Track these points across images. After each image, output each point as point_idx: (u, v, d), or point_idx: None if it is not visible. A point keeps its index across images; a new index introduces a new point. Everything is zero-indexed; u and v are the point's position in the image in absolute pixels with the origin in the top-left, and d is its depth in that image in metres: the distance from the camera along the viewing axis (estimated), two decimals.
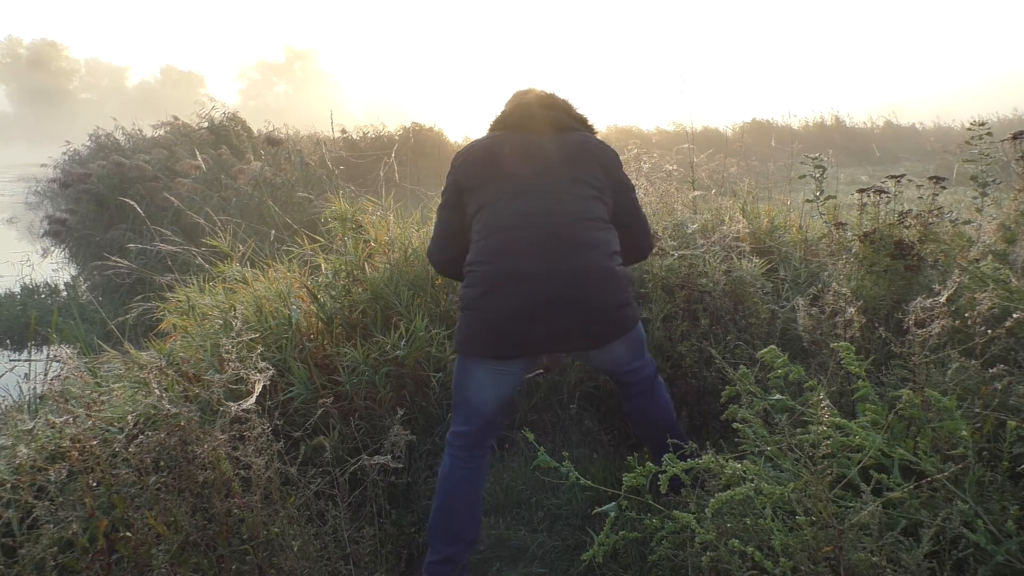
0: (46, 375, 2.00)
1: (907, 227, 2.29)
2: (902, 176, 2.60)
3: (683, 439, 1.65)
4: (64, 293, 5.49)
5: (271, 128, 10.14)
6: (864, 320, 1.82)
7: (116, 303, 4.68)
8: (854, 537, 1.13)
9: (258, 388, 1.43)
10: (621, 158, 1.91)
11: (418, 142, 10.43)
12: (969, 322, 1.43)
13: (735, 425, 1.42)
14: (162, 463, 1.35)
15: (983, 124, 2.53)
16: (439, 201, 1.87)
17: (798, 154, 3.83)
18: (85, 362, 2.21)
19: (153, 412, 1.59)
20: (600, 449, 2.28)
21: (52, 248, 7.55)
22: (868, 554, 1.09)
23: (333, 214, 2.74)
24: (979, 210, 2.53)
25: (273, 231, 4.05)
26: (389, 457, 1.66)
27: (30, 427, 1.43)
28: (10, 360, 4.21)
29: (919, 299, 1.48)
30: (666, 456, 1.35)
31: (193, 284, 2.65)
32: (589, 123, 1.95)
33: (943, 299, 1.44)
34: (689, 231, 2.98)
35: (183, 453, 1.34)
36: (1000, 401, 1.39)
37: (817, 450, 1.20)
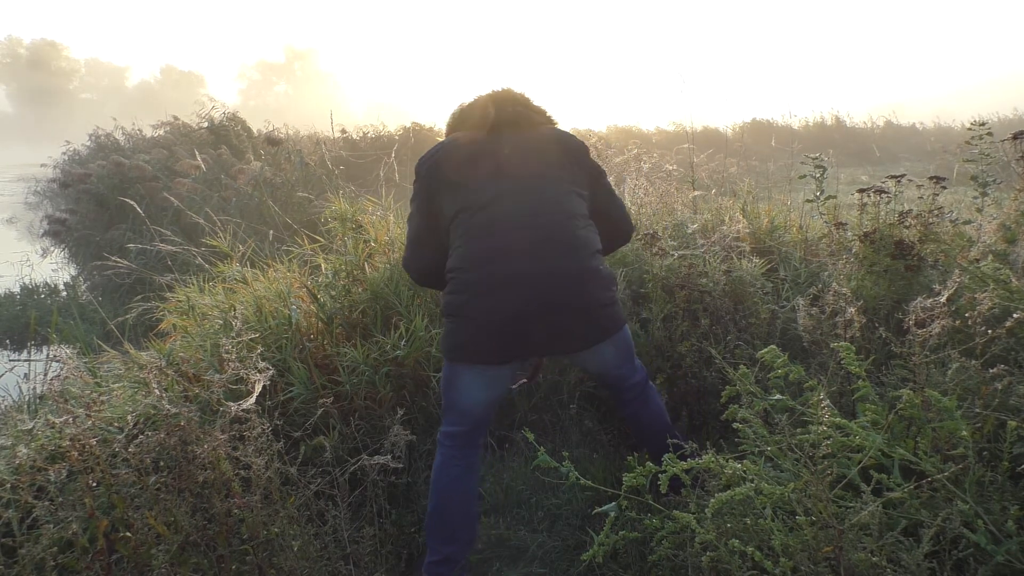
0: (46, 375, 2.00)
1: (907, 227, 2.29)
2: (902, 176, 2.60)
3: (677, 436, 1.66)
4: (64, 293, 5.49)
5: (271, 128, 10.14)
6: (864, 320, 1.82)
7: (116, 303, 4.68)
8: (854, 537, 1.13)
9: (258, 388, 1.43)
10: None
11: (418, 142, 10.43)
12: (969, 322, 1.43)
13: (735, 425, 1.42)
14: (162, 463, 1.35)
15: (983, 124, 2.53)
16: (409, 210, 1.82)
17: (798, 154, 3.83)
18: (85, 362, 2.21)
19: (153, 412, 1.59)
20: (600, 449, 2.28)
21: (52, 248, 7.55)
22: (868, 554, 1.09)
23: (333, 214, 2.74)
24: (979, 210, 2.53)
25: (273, 231, 4.05)
26: (389, 457, 1.66)
27: (30, 427, 1.43)
28: (10, 360, 4.21)
29: (919, 299, 1.48)
30: (666, 456, 1.35)
31: (193, 284, 2.65)
32: (548, 115, 1.90)
33: (943, 299, 1.44)
34: (689, 231, 2.98)
35: (183, 453, 1.34)
36: (1000, 401, 1.39)
37: (817, 450, 1.20)
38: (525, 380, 2.01)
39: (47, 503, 1.24)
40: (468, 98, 1.90)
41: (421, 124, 12.48)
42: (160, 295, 2.71)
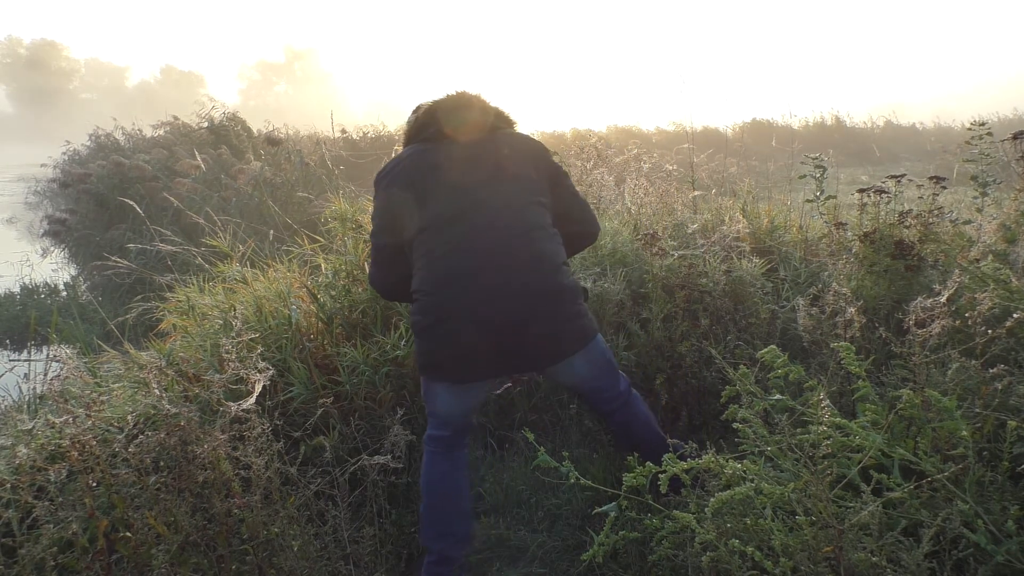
0: (46, 375, 2.00)
1: (907, 227, 2.30)
2: (902, 176, 2.60)
3: (669, 446, 1.63)
4: (64, 293, 5.49)
5: (271, 128, 10.14)
6: (864, 320, 1.82)
7: (116, 303, 4.68)
8: (854, 537, 1.13)
9: (258, 388, 1.43)
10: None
11: None
12: (969, 322, 1.43)
13: (735, 425, 1.42)
14: (162, 463, 1.35)
15: (983, 124, 2.53)
16: (371, 227, 1.79)
17: (798, 154, 3.83)
18: (85, 362, 2.21)
19: (153, 412, 1.59)
20: (600, 449, 2.28)
21: (52, 248, 7.55)
22: (868, 554, 1.09)
23: (333, 214, 2.74)
24: (979, 210, 2.53)
25: (273, 231, 4.05)
26: (389, 457, 1.67)
27: (30, 427, 1.43)
28: (10, 360, 4.21)
29: (919, 299, 1.48)
30: (666, 456, 1.35)
31: (193, 284, 2.65)
32: (506, 115, 1.85)
33: (943, 299, 1.44)
34: (689, 231, 2.98)
35: (183, 453, 1.34)
36: (1000, 401, 1.39)
37: (817, 450, 1.20)
38: (510, 384, 2.00)
39: (47, 503, 1.23)
40: (423, 104, 1.84)
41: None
42: (160, 295, 2.71)
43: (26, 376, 2.13)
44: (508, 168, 1.69)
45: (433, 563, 1.68)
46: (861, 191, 2.51)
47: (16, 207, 11.33)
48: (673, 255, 2.52)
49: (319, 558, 1.51)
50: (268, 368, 1.48)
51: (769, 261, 2.84)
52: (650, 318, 2.44)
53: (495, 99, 1.84)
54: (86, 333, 3.17)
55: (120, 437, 1.32)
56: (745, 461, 1.32)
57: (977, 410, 1.38)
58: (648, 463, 1.36)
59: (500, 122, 1.82)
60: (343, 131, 11.48)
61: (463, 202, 1.63)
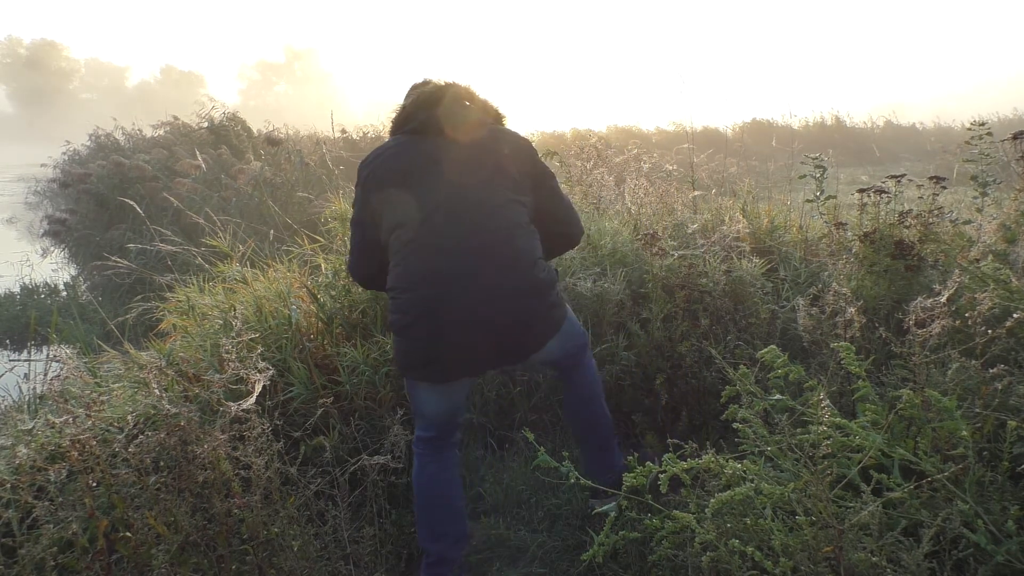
0: (46, 375, 2.00)
1: (907, 227, 2.30)
2: (902, 176, 2.60)
3: (608, 419, 1.67)
4: (64, 293, 5.49)
5: (271, 128, 10.13)
6: (864, 320, 1.82)
7: (116, 303, 4.67)
8: (854, 537, 1.13)
9: (258, 388, 1.43)
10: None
11: None
12: (969, 322, 1.43)
13: (735, 425, 1.42)
14: (162, 463, 1.35)
15: (983, 124, 2.53)
16: (351, 214, 1.78)
17: (798, 154, 3.83)
18: (85, 362, 2.21)
19: (153, 412, 1.59)
20: None
21: (52, 248, 7.56)
22: (868, 554, 1.09)
23: (333, 214, 2.74)
24: (979, 210, 2.53)
25: (273, 231, 4.05)
26: (389, 457, 1.67)
27: (30, 427, 1.43)
28: (10, 360, 4.21)
29: (919, 299, 1.48)
30: (666, 456, 1.35)
31: (193, 284, 2.65)
32: (493, 107, 1.82)
33: (943, 299, 1.44)
34: (689, 231, 2.98)
35: (183, 453, 1.34)
36: (1000, 401, 1.39)
37: (817, 450, 1.20)
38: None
39: (47, 503, 1.23)
40: (409, 96, 1.82)
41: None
42: (160, 295, 2.71)
43: (26, 376, 2.13)
44: (487, 166, 1.68)
45: (431, 564, 1.68)
46: (861, 191, 2.51)
47: (16, 207, 11.33)
48: (673, 255, 2.52)
49: (319, 558, 1.51)
50: (268, 368, 1.48)
51: (769, 261, 2.84)
52: (650, 318, 2.44)
53: (493, 96, 1.83)
54: (86, 333, 3.17)
55: (120, 437, 1.32)
56: (745, 461, 1.32)
57: (977, 410, 1.38)
58: (648, 464, 1.36)
59: (488, 117, 1.79)
60: (343, 131, 11.48)
61: (440, 198, 1.62)
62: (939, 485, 1.23)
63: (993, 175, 2.51)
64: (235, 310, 2.25)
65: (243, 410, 1.38)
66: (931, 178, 2.43)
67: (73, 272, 6.50)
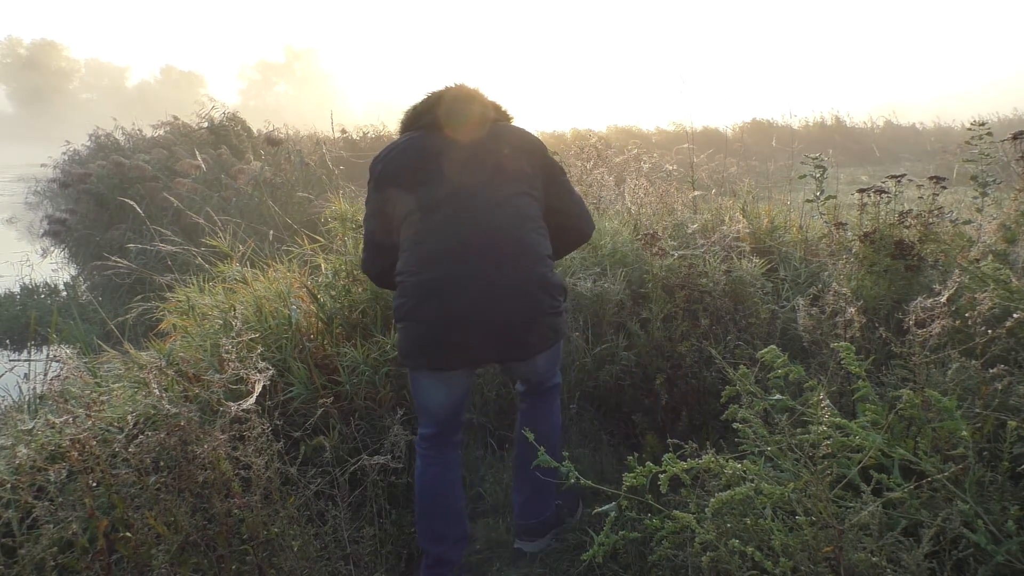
0: (46, 375, 2.00)
1: (907, 227, 2.30)
2: (902, 176, 2.60)
3: (560, 461, 1.50)
4: (64, 293, 5.49)
5: (271, 128, 10.14)
6: (864, 320, 1.82)
7: (116, 303, 4.67)
8: (854, 537, 1.13)
9: (258, 388, 1.43)
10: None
11: None
12: (969, 322, 1.43)
13: (735, 425, 1.42)
14: (162, 463, 1.35)
15: (983, 124, 2.53)
16: (364, 211, 1.80)
17: (798, 154, 3.83)
18: (85, 362, 2.21)
19: (153, 412, 1.59)
20: (600, 449, 2.28)
21: (52, 248, 7.56)
22: (868, 554, 1.09)
23: (333, 214, 2.74)
24: (979, 210, 2.53)
25: (273, 231, 4.05)
26: (389, 457, 1.67)
27: (30, 427, 1.43)
28: (10, 360, 4.21)
29: (919, 299, 1.48)
30: (666, 456, 1.35)
31: (193, 284, 2.65)
32: (503, 109, 1.85)
33: (943, 299, 1.44)
34: (689, 231, 2.98)
35: (183, 453, 1.34)
36: (1000, 401, 1.39)
37: (817, 450, 1.20)
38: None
39: (47, 503, 1.23)
40: (419, 96, 1.85)
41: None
42: (160, 295, 2.71)
43: (26, 376, 2.13)
44: (501, 159, 1.70)
45: (431, 565, 1.68)
46: (861, 191, 2.51)
47: (16, 207, 11.34)
48: (673, 255, 2.52)
49: (319, 558, 1.51)
50: (268, 368, 1.48)
51: (769, 261, 2.84)
52: (650, 318, 2.44)
53: (500, 97, 1.86)
54: (86, 333, 3.17)
55: (120, 437, 1.32)
56: (745, 461, 1.32)
57: (977, 410, 1.38)
58: (648, 464, 1.36)
59: (498, 116, 1.82)
60: (343, 131, 11.48)
61: (452, 189, 1.64)
62: (939, 485, 1.23)
63: (993, 175, 2.51)
64: (235, 310, 2.25)
65: (243, 410, 1.38)
66: (931, 178, 2.43)
67: (73, 272, 6.51)
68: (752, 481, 1.24)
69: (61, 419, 1.28)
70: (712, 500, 1.22)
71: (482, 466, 2.23)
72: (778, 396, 1.56)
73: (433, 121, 1.74)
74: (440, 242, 1.61)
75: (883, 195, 2.46)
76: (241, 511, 1.38)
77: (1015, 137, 2.35)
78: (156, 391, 1.34)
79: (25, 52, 67.75)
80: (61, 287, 5.61)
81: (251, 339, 1.92)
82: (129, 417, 1.44)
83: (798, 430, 1.33)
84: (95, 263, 5.15)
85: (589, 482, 1.41)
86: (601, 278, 2.56)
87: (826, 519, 1.12)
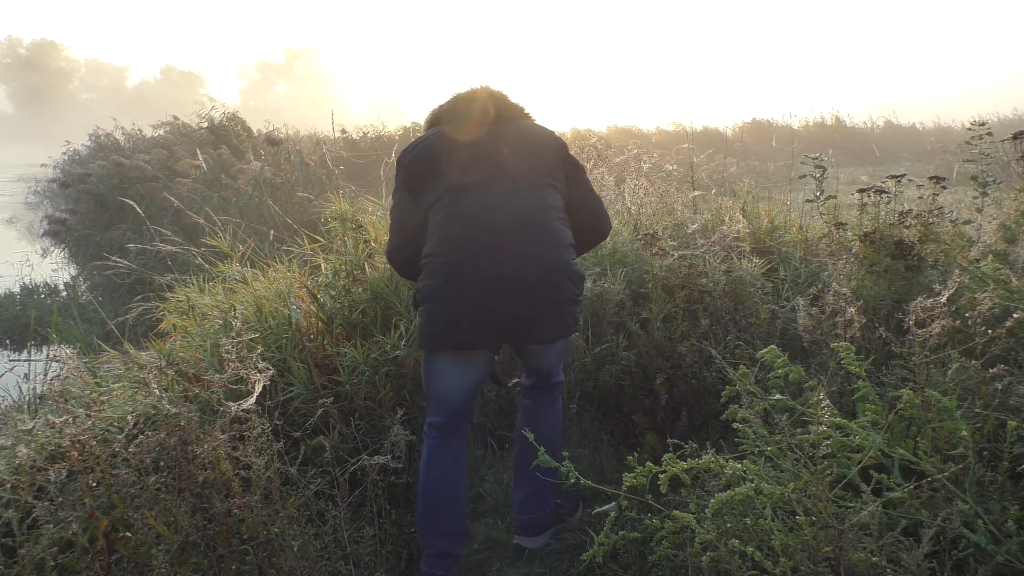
0: (46, 375, 2.00)
1: (907, 227, 2.29)
2: (902, 176, 2.60)
3: (554, 467, 1.48)
4: (64, 293, 5.49)
5: (271, 128, 10.14)
6: (864, 320, 1.82)
7: (116, 303, 4.67)
8: (854, 537, 1.13)
9: (258, 388, 1.43)
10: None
11: None
12: (969, 322, 1.43)
13: (735, 425, 1.42)
14: (162, 463, 1.35)
15: (983, 124, 2.53)
16: (390, 202, 1.85)
17: (798, 154, 3.83)
18: (85, 362, 2.21)
19: (153, 412, 1.58)
20: (600, 449, 2.28)
21: (52, 248, 7.56)
22: (868, 554, 1.09)
23: (333, 214, 2.74)
24: (979, 210, 2.53)
25: (273, 231, 4.05)
26: (389, 457, 1.67)
27: (30, 427, 1.42)
28: (10, 360, 4.21)
29: (919, 299, 1.47)
30: (666, 456, 1.35)
31: (193, 284, 2.65)
32: (527, 112, 1.92)
33: (943, 299, 1.44)
34: (689, 231, 2.98)
35: (183, 453, 1.34)
36: (1000, 401, 1.39)
37: (817, 450, 1.20)
38: (518, 380, 2.02)
39: (47, 503, 1.23)
40: (446, 96, 1.92)
41: (421, 124, 12.43)
42: (160, 295, 2.71)
43: (26, 376, 2.13)
44: (525, 152, 1.76)
45: (432, 555, 1.68)
46: (861, 191, 2.51)
47: (16, 207, 11.34)
48: (673, 255, 2.52)
49: (319, 558, 1.51)
50: (268, 368, 1.48)
51: (769, 261, 2.84)
52: (650, 318, 2.44)
53: (519, 99, 1.93)
54: (86, 333, 3.17)
55: (120, 437, 1.32)
56: (745, 461, 1.32)
57: (977, 410, 1.38)
58: (648, 464, 1.36)
59: (521, 114, 1.89)
60: (343, 131, 11.48)
61: (478, 178, 1.69)
62: (939, 485, 1.23)
63: (993, 175, 2.51)
64: (235, 310, 2.25)
65: (243, 410, 1.38)
66: (931, 178, 2.43)
67: (73, 272, 6.50)
68: (752, 481, 1.24)
69: (61, 419, 1.28)
70: (712, 500, 1.22)
71: (482, 466, 2.23)
72: (778, 396, 1.56)
73: (459, 117, 1.81)
74: (466, 226, 1.65)
75: (883, 195, 2.46)
76: (241, 511, 1.38)
77: (1015, 137, 2.35)
78: (156, 391, 1.34)
79: (25, 52, 67.75)
80: (61, 287, 5.61)
81: (251, 339, 1.92)
82: (129, 417, 1.44)
83: (798, 430, 1.33)
84: (95, 263, 5.15)
85: (589, 482, 1.41)
86: (601, 278, 2.56)
87: (826, 519, 1.12)
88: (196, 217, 3.32)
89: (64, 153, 12.17)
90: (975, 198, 2.53)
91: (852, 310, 1.77)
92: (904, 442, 1.34)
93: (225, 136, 9.21)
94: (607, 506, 1.45)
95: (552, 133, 1.86)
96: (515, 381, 2.06)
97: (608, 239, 2.82)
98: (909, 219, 2.30)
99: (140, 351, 2.29)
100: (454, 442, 1.76)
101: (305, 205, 6.38)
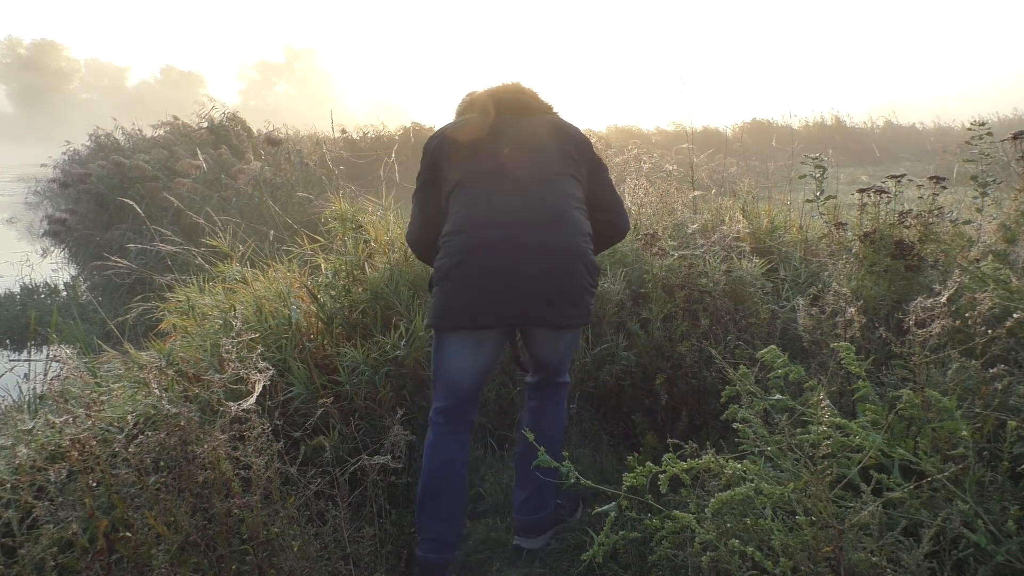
0: (46, 375, 2.00)
1: (907, 227, 2.29)
2: (902, 176, 2.60)
3: (554, 467, 1.48)
4: (64, 293, 5.49)
5: (271, 128, 10.14)
6: (864, 320, 1.82)
7: (116, 303, 4.67)
8: (854, 537, 1.13)
9: (258, 388, 1.43)
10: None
11: (418, 142, 10.42)
12: (969, 322, 1.43)
13: (735, 425, 1.42)
14: (162, 463, 1.35)
15: (983, 124, 2.53)
16: (415, 186, 1.89)
17: (798, 154, 3.83)
18: (85, 362, 2.20)
19: (153, 412, 1.58)
20: (600, 449, 2.28)
21: (52, 248, 7.55)
22: (868, 554, 1.09)
23: (333, 214, 2.74)
24: (979, 210, 2.53)
25: (273, 231, 4.05)
26: (389, 457, 1.66)
27: (30, 427, 1.42)
28: (10, 360, 4.21)
29: (919, 299, 1.47)
30: (666, 456, 1.35)
31: (193, 284, 2.65)
32: (555, 110, 1.96)
33: (943, 299, 1.44)
34: (689, 231, 2.98)
35: (183, 453, 1.34)
36: (1000, 401, 1.39)
37: (817, 450, 1.20)
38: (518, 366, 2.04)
39: (47, 503, 1.23)
40: (480, 87, 1.97)
41: (421, 124, 12.48)
42: (160, 295, 2.71)
43: (26, 376, 2.13)
44: (549, 144, 1.78)
45: (430, 541, 1.69)
46: (861, 191, 2.51)
47: (16, 207, 11.34)
48: (673, 255, 2.52)
49: (319, 558, 1.51)
50: (268, 368, 1.48)
51: (769, 261, 2.84)
52: (650, 318, 2.44)
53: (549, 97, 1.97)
54: (86, 333, 3.17)
55: (120, 437, 1.32)
56: (745, 461, 1.32)
57: (977, 410, 1.38)
58: (648, 464, 1.36)
59: (549, 111, 1.93)
60: (343, 131, 11.49)
61: (501, 164, 1.72)
62: (939, 485, 1.23)
63: (993, 175, 2.51)
64: (235, 310, 2.25)
65: (243, 410, 1.38)
66: (931, 178, 2.43)
67: (73, 272, 6.50)
68: (752, 481, 1.24)
69: (61, 419, 1.28)
70: (712, 500, 1.22)
71: (482, 466, 2.23)
72: (778, 396, 1.56)
73: (485, 107, 1.84)
74: (486, 207, 1.68)
75: (883, 195, 2.46)
76: (241, 511, 1.38)
77: (1015, 137, 2.35)
78: (156, 391, 1.34)
79: (25, 52, 67.74)
80: (61, 287, 5.60)
81: (251, 339, 1.92)
82: (129, 417, 1.44)
83: (798, 430, 1.33)
84: (95, 263, 5.15)
85: (589, 482, 1.41)
86: (601, 278, 2.56)
87: (826, 519, 1.12)
88: (196, 217, 3.32)
89: (64, 153, 12.16)
90: (975, 198, 2.53)
91: (852, 310, 1.77)
92: (904, 442, 1.34)
93: (225, 136, 9.21)
94: (607, 506, 1.46)
95: (578, 129, 1.88)
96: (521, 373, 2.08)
97: None
98: (909, 219, 2.30)
99: (140, 351, 2.29)
100: (460, 428, 1.76)
101: (305, 205, 6.38)
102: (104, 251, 5.11)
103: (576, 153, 1.80)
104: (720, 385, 2.03)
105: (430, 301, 1.76)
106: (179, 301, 2.55)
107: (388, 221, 2.83)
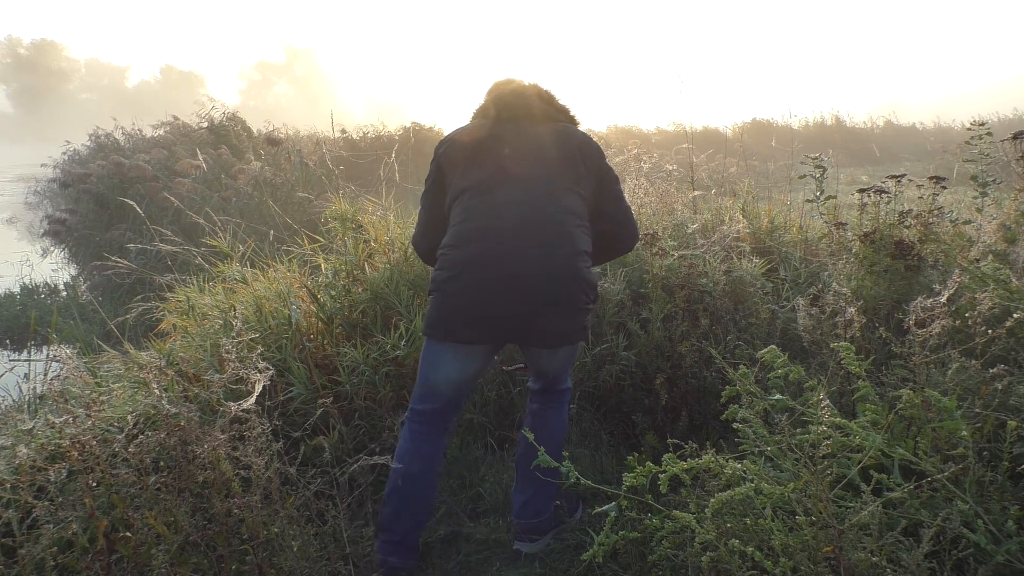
0: (46, 375, 2.00)
1: (907, 227, 2.30)
2: (902, 176, 2.60)
3: (556, 470, 1.48)
4: (64, 293, 5.49)
5: (271, 128, 10.15)
6: (864, 320, 1.82)
7: (116, 303, 4.67)
8: (854, 537, 1.13)
9: (258, 388, 1.43)
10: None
11: (418, 142, 10.42)
12: (969, 322, 1.43)
13: (735, 425, 1.41)
14: (162, 463, 1.35)
15: (983, 124, 2.53)
16: (423, 189, 1.89)
17: (798, 154, 3.83)
18: (85, 362, 2.21)
19: (153, 412, 1.59)
20: (600, 449, 2.28)
21: (52, 248, 7.55)
22: (868, 554, 1.09)
23: (333, 214, 2.74)
24: (979, 210, 2.53)
25: (273, 231, 4.05)
26: (389, 457, 1.66)
27: (30, 427, 1.43)
28: (10, 360, 4.20)
29: (919, 299, 1.47)
30: (666, 456, 1.35)
31: (193, 284, 2.65)
32: (571, 114, 1.94)
33: (943, 299, 1.44)
34: (689, 231, 2.98)
35: (183, 453, 1.34)
36: (1000, 401, 1.39)
37: (817, 450, 1.20)
38: (521, 366, 2.03)
39: (47, 503, 1.23)
40: (491, 91, 1.95)
41: (421, 124, 12.48)
42: (160, 295, 2.71)
43: (26, 376, 2.13)
44: (556, 155, 1.76)
45: (393, 543, 1.67)
46: (861, 191, 2.51)
47: (16, 207, 11.33)
48: (673, 255, 2.52)
49: (319, 558, 1.51)
50: (268, 368, 1.48)
51: (769, 261, 2.84)
52: (650, 318, 2.44)
53: (566, 101, 1.95)
54: (86, 333, 3.17)
55: (120, 437, 1.32)
56: (745, 461, 1.32)
57: (977, 410, 1.38)
58: (648, 464, 1.36)
59: (562, 116, 1.90)
60: (343, 131, 11.49)
61: (504, 175, 1.71)
62: (939, 485, 1.23)
63: (993, 175, 2.52)
64: (235, 310, 2.25)
65: (243, 410, 1.38)
66: (931, 178, 2.43)
67: (73, 272, 6.50)
68: (752, 481, 1.24)
69: (61, 419, 1.28)
70: (712, 500, 1.22)
71: (482, 466, 2.23)
72: (778, 396, 1.56)
73: (498, 113, 1.83)
74: (485, 222, 1.67)
75: (883, 195, 2.46)
76: (241, 511, 1.38)
77: (1015, 137, 2.35)
78: (156, 391, 1.34)
79: (25, 52, 67.76)
80: (61, 287, 5.61)
81: (251, 339, 1.92)
82: (129, 417, 1.44)
83: (798, 430, 1.33)
84: (95, 263, 5.15)
85: (589, 482, 1.41)
86: (601, 278, 2.56)
87: (826, 519, 1.12)
88: (196, 217, 3.32)
89: (64, 153, 12.16)
90: (975, 198, 2.53)
91: (852, 310, 1.77)
92: (904, 442, 1.34)
93: (225, 136, 9.21)
94: (607, 506, 1.45)
95: (590, 139, 1.85)
96: (517, 366, 2.06)
97: None
98: (909, 219, 2.31)
99: (140, 351, 2.29)
100: (438, 433, 1.76)
101: (305, 205, 6.38)
102: (104, 251, 5.11)
103: (582, 164, 1.77)
104: (720, 385, 2.03)
105: (416, 320, 1.76)
106: (179, 301, 2.55)
107: (388, 221, 2.83)
